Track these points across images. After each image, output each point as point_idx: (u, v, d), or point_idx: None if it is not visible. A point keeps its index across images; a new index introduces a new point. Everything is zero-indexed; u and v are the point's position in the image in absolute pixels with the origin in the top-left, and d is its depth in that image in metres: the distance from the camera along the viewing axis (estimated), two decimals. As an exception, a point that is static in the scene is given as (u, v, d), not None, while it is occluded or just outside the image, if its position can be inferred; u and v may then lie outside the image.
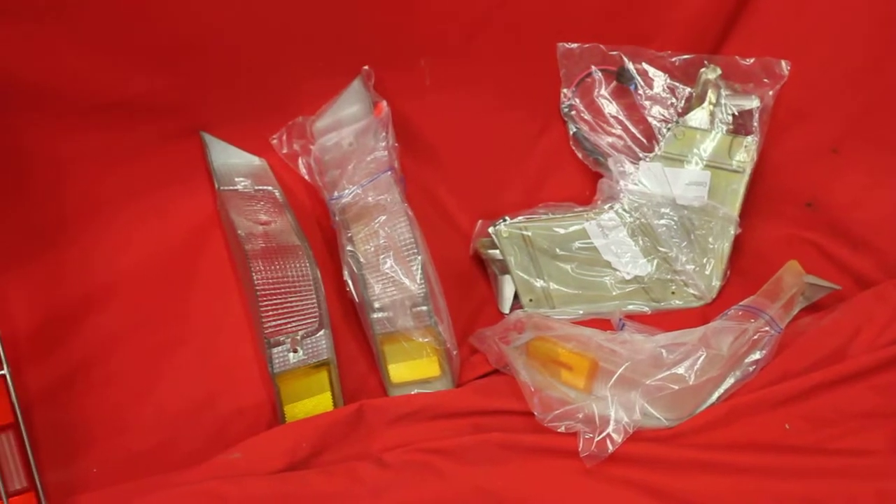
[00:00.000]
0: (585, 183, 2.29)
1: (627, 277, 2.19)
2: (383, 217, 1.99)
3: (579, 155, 2.29)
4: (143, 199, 2.09)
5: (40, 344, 2.01)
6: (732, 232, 2.19)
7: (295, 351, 1.93)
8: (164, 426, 2.00)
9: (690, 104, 2.24)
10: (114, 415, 2.01)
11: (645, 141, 2.25)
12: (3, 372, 1.78)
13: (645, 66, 2.26)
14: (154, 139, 2.08)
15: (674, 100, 2.26)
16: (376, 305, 1.99)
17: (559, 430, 1.84)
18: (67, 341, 2.04)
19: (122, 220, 2.08)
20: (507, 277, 2.18)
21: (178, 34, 2.01)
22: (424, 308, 1.97)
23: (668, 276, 2.19)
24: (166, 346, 2.06)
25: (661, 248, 2.18)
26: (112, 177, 2.07)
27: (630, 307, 2.18)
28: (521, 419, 1.90)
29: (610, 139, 2.26)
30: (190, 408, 2.01)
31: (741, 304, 2.00)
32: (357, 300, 2.01)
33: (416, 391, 2.01)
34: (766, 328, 1.92)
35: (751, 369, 1.91)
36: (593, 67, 2.28)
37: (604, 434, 1.81)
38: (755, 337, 1.91)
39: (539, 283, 2.17)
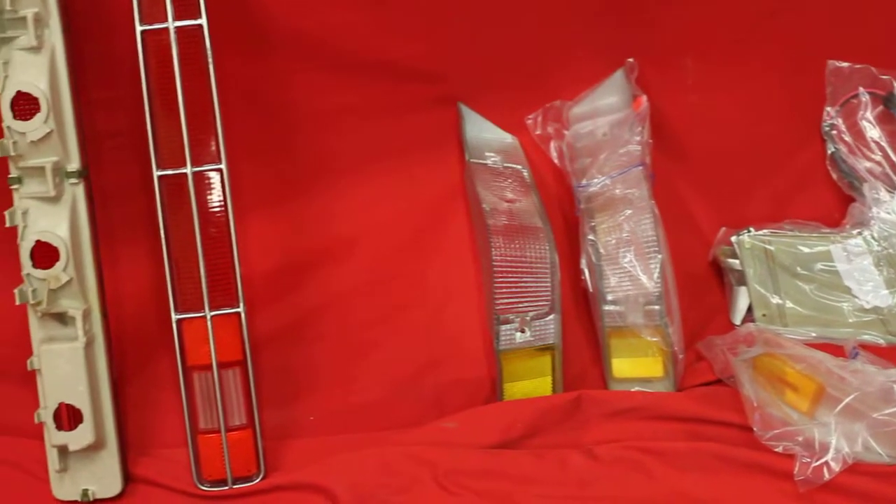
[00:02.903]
0: (836, 205, 2.24)
1: (866, 306, 2.13)
2: (629, 211, 1.98)
3: (834, 176, 2.23)
4: (394, 161, 2.12)
5: (275, 288, 2.07)
6: (982, 276, 2.12)
7: (522, 331, 1.93)
8: (385, 385, 2.04)
9: (957, 139, 2.18)
10: (337, 367, 2.06)
11: (904, 171, 2.20)
12: (238, 309, 1.83)
13: (916, 94, 2.21)
14: (413, 103, 2.11)
15: (940, 133, 2.20)
16: (609, 298, 1.98)
17: (776, 450, 1.80)
18: (302, 289, 2.09)
19: (371, 178, 2.12)
20: (743, 289, 2.14)
21: (451, 3, 2.03)
22: (657, 307, 1.96)
23: (909, 312, 2.13)
24: (397, 308, 2.09)
25: (905, 282, 2.13)
26: (367, 135, 2.10)
27: (865, 337, 2.11)
28: (738, 433, 1.87)
29: (868, 164, 2.20)
30: (412, 371, 2.04)
31: (982, 350, 1.94)
32: (591, 290, 2.01)
33: (636, 388, 2.00)
34: None
35: (984, 419, 1.85)
36: (861, 89, 2.22)
37: (822, 461, 1.77)
38: None
39: (775, 300, 2.13)
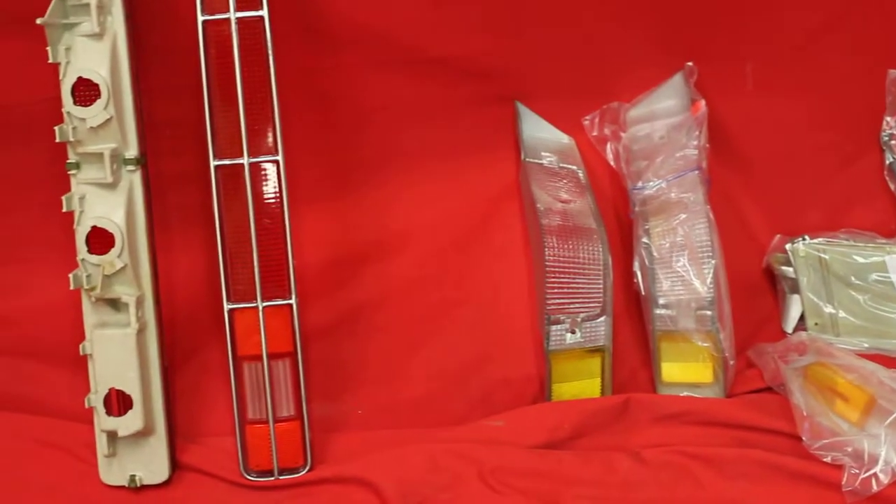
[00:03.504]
0: (893, 215, 2.22)
1: (920, 319, 2.12)
2: (684, 215, 1.98)
3: (892, 186, 2.21)
4: (447, 157, 2.12)
5: (327, 281, 2.08)
6: None
7: (573, 332, 1.93)
8: (432, 381, 2.05)
9: None
10: (385, 362, 2.07)
11: (961, 183, 2.18)
12: (290, 301, 1.84)
13: (975, 105, 2.19)
14: (468, 101, 2.11)
15: None
16: (661, 301, 1.97)
17: (824, 460, 1.79)
18: (352, 283, 2.10)
19: (424, 173, 2.12)
20: (796, 297, 2.13)
21: (511, 1, 2.03)
22: (709, 313, 1.95)
23: (964, 326, 2.11)
24: (446, 304, 2.10)
25: (960, 296, 2.11)
26: (423, 131, 2.11)
27: (918, 349, 2.11)
28: (786, 441, 1.86)
29: (926, 175, 2.20)
30: (460, 368, 2.05)
31: None
32: (643, 293, 2.00)
33: (685, 393, 1.99)
34: None
35: None
36: (921, 98, 2.21)
37: (870, 472, 1.75)
38: None
39: (828, 309, 2.11)
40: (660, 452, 1.84)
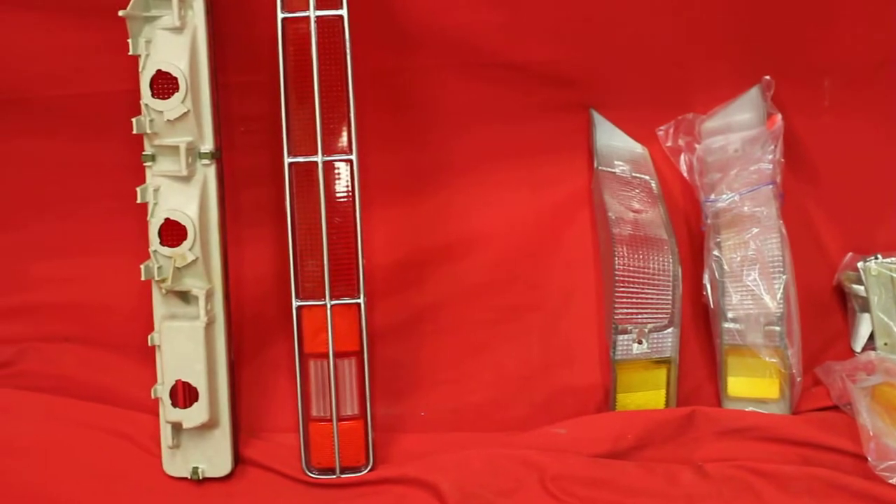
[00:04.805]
0: (968, 237, 2.20)
1: None
2: (756, 229, 1.97)
3: (967, 207, 2.20)
4: (521, 162, 2.12)
5: (395, 281, 2.09)
6: None
7: (640, 342, 1.93)
8: (497, 386, 2.05)
9: None
10: (450, 365, 2.07)
11: None
12: (358, 300, 1.84)
13: None
14: (544, 107, 2.11)
15: None
16: (730, 315, 1.96)
17: (889, 481, 1.78)
18: (420, 285, 2.11)
19: (497, 178, 2.12)
20: (866, 316, 2.11)
21: (589, 8, 2.02)
22: (777, 328, 1.94)
23: None
24: (514, 309, 2.10)
25: None
26: (497, 135, 2.11)
27: None
28: (851, 461, 1.85)
29: None
30: (525, 374, 2.05)
31: None
32: (711, 306, 1.99)
33: (750, 409, 1.98)
34: None
35: None
36: None
37: (936, 496, 1.74)
38: None
39: (898, 329, 2.10)
40: (723, 467, 1.83)
